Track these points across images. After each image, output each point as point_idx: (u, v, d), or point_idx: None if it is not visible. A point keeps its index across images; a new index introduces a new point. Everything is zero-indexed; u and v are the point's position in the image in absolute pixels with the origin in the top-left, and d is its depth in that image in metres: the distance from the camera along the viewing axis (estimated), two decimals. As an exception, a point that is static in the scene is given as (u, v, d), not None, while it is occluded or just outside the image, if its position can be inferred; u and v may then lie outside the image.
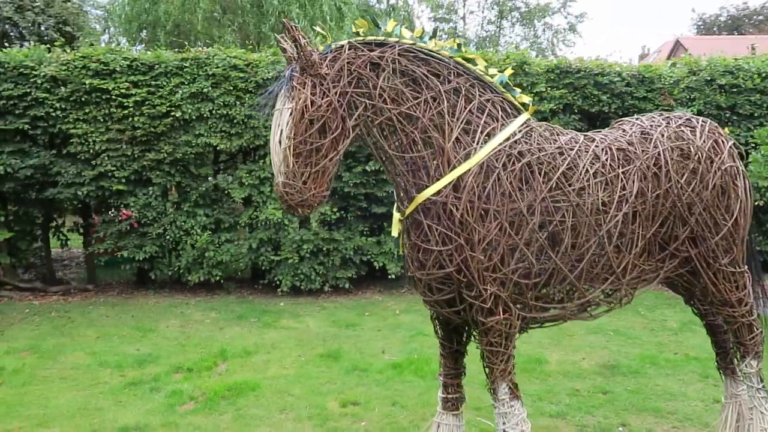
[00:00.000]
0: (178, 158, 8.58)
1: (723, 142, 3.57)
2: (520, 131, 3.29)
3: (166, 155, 8.52)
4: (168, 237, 8.70)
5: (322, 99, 2.95)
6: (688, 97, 9.01)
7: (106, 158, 8.50)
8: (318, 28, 3.40)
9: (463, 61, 3.33)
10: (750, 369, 3.78)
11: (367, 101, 3.07)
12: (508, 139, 3.22)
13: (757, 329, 3.76)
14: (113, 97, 8.37)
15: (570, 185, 3.23)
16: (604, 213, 3.26)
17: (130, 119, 8.41)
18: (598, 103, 8.94)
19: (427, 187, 3.13)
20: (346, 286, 8.95)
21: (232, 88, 8.45)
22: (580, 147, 3.35)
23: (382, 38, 3.21)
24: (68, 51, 8.71)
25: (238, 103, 8.50)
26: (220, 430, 4.48)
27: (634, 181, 3.33)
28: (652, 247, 3.45)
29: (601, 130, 3.64)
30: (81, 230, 9.98)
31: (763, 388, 3.79)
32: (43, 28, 16.24)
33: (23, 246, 9.52)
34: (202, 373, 5.72)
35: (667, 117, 3.63)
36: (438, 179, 3.12)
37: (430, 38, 3.30)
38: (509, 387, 3.29)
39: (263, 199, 8.67)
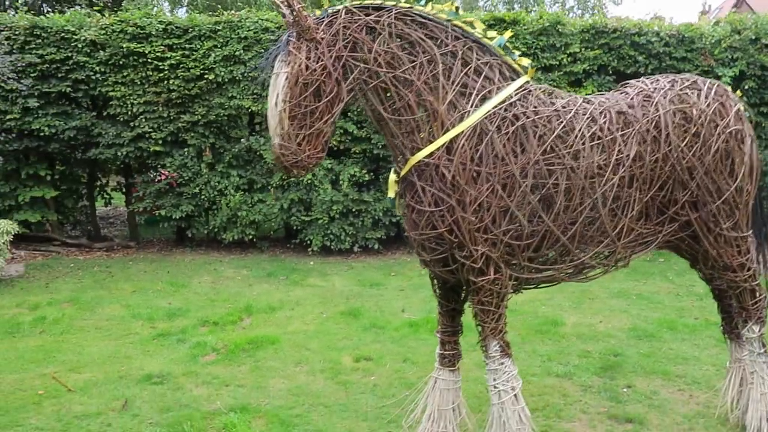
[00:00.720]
0: (212, 120, 8.81)
1: (730, 105, 3.51)
2: (516, 94, 3.30)
3: (200, 117, 8.75)
4: (203, 197, 8.99)
5: (317, 63, 3.03)
6: (730, 57, 8.69)
7: (144, 120, 8.80)
8: None
9: (462, 24, 3.35)
10: (752, 334, 3.77)
11: (363, 65, 3.14)
12: (503, 101, 3.24)
13: (760, 295, 3.74)
14: (149, 60, 8.61)
15: (565, 148, 3.24)
16: (599, 176, 3.27)
17: (166, 82, 8.65)
18: (634, 64, 8.71)
19: (421, 149, 3.21)
20: (376, 246, 9.11)
21: (263, 50, 8.58)
22: (577, 110, 3.34)
23: (379, 2, 3.25)
24: (107, 15, 8.95)
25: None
26: (236, 380, 4.73)
27: (632, 145, 3.32)
28: (651, 210, 3.45)
29: (605, 93, 3.63)
30: (123, 190, 10.39)
31: (765, 353, 3.77)
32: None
33: (69, 204, 10.01)
34: (227, 327, 6.00)
35: (673, 79, 3.58)
36: (432, 142, 3.19)
37: (427, 2, 3.32)
38: (500, 345, 3.38)
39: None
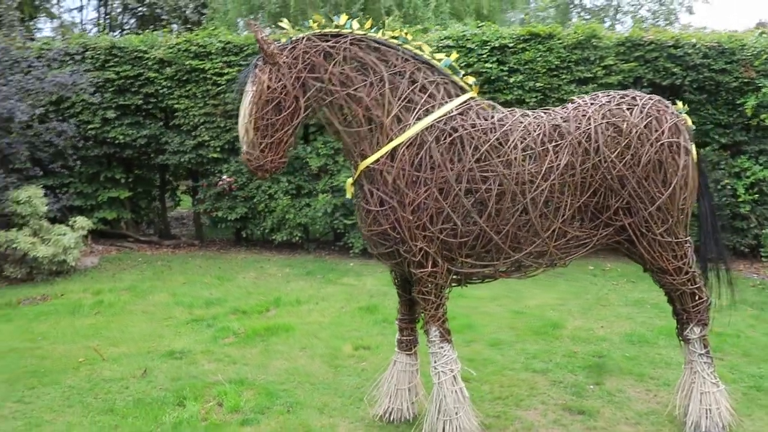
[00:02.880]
0: (265, 130, 9.59)
1: (666, 119, 3.77)
2: (457, 109, 3.74)
3: (254, 127, 9.56)
4: (255, 200, 9.80)
5: (277, 83, 3.61)
6: (773, 68, 8.57)
7: (204, 130, 9.73)
8: (310, 22, 3.96)
9: (412, 48, 3.83)
10: (693, 335, 4.00)
11: (319, 84, 3.68)
12: (444, 115, 3.69)
13: (700, 298, 3.96)
14: (209, 76, 9.54)
15: (498, 157, 3.65)
16: (530, 183, 3.64)
17: (223, 95, 9.53)
18: (670, 76, 8.75)
19: (368, 156, 3.71)
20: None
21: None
22: (512, 123, 3.73)
23: (337, 30, 3.79)
24: (175, 35, 9.98)
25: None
26: (244, 359, 5.36)
27: (563, 155, 3.67)
28: (584, 215, 3.78)
29: (551, 108, 3.98)
30: (191, 192, 11.42)
31: (706, 354, 4.00)
32: (187, 12, 18.01)
33: (143, 204, 11.14)
34: (253, 316, 6.67)
35: (611, 95, 3.89)
36: (377, 150, 3.68)
37: (378, 29, 3.83)
38: (440, 331, 3.81)
39: (337, 168, 9.47)
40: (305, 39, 3.73)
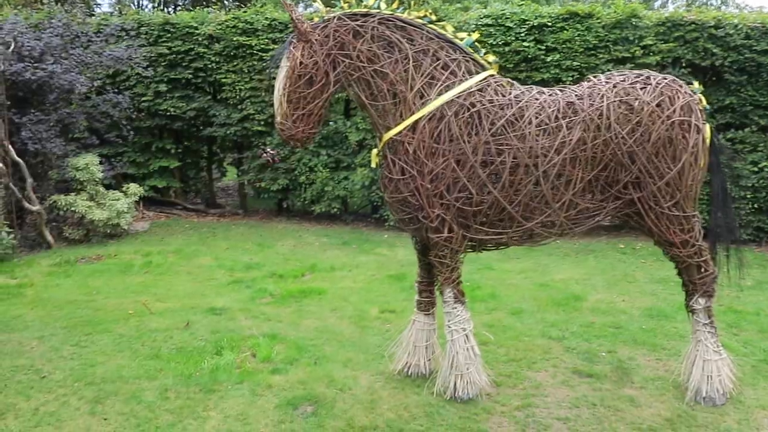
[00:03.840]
0: (307, 105, 9.96)
1: (676, 97, 3.94)
2: (477, 85, 3.98)
3: (296, 102, 9.93)
4: (296, 172, 10.20)
5: (309, 59, 3.92)
6: (818, 49, 8.44)
7: (249, 104, 10.15)
8: (341, 2, 4.26)
9: (436, 27, 4.08)
10: (698, 305, 4.19)
11: (348, 60, 3.98)
12: (464, 91, 3.95)
13: (706, 270, 4.14)
14: (255, 51, 9.93)
15: (513, 132, 3.89)
16: (543, 156, 3.87)
17: (268, 71, 9.91)
18: (710, 57, 8.71)
19: (392, 128, 3.99)
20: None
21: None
22: (528, 100, 3.96)
23: (366, 10, 4.06)
24: (223, 13, 10.38)
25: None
26: (278, 317, 5.77)
27: (576, 131, 3.88)
28: (595, 188, 3.99)
29: (568, 86, 4.18)
30: (237, 164, 11.90)
31: (710, 324, 4.18)
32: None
33: (191, 174, 11.68)
34: (289, 279, 7.08)
35: (626, 75, 4.07)
36: (401, 122, 3.97)
37: (405, 9, 4.09)
38: (453, 293, 4.10)
39: (375, 142, 9.75)
40: (336, 18, 4.01)
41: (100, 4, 24.05)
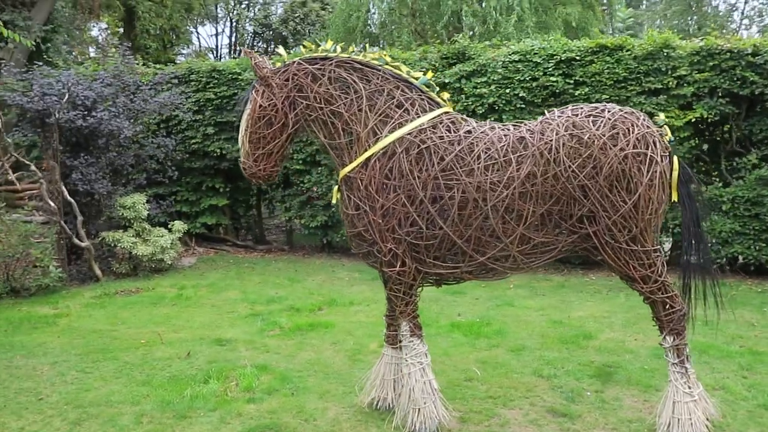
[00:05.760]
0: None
1: (630, 130, 3.87)
2: (429, 122, 4.08)
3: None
4: (334, 209, 10.48)
5: (268, 102, 4.16)
6: None
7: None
8: (302, 47, 4.54)
9: (391, 68, 4.23)
10: (666, 344, 4.04)
11: (305, 102, 4.19)
12: (416, 128, 4.05)
13: (671, 308, 3.99)
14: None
15: (461, 167, 3.94)
16: (491, 191, 3.90)
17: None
18: (749, 86, 8.35)
19: (347, 165, 4.15)
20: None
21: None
22: (479, 135, 4.01)
23: (325, 54, 4.27)
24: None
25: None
26: (278, 349, 5.94)
27: (525, 165, 3.89)
28: (548, 222, 3.96)
29: (524, 121, 4.20)
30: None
31: (679, 363, 4.01)
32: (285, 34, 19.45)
33: (241, 212, 12.22)
34: (303, 313, 7.27)
35: (581, 108, 4.04)
36: (355, 160, 4.11)
37: (360, 52, 4.27)
38: (410, 326, 4.15)
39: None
40: (296, 63, 4.25)
41: (182, 54, 25.80)
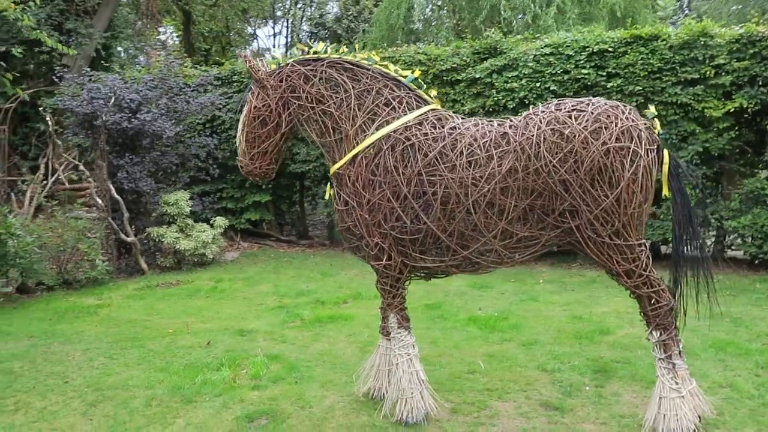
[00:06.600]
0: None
1: (613, 124, 3.84)
2: (415, 120, 4.18)
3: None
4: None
5: (263, 103, 4.36)
6: None
7: (325, 141, 10.81)
8: (296, 49, 4.70)
9: (380, 67, 4.35)
10: (652, 339, 4.00)
11: (298, 102, 4.36)
12: (402, 125, 4.16)
13: (657, 302, 3.95)
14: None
15: (444, 163, 4.03)
16: (473, 186, 3.97)
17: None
18: (794, 73, 7.99)
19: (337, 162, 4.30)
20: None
21: (413, 79, 9.90)
22: (462, 131, 4.08)
23: (317, 55, 4.43)
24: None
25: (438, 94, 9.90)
26: (295, 340, 6.17)
27: (507, 160, 3.94)
28: (531, 217, 3.99)
29: (510, 117, 4.23)
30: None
31: (666, 359, 3.97)
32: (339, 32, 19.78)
33: (284, 208, 12.57)
34: (327, 305, 7.48)
35: (564, 102, 4.04)
36: (343, 157, 4.26)
37: (348, 53, 4.40)
38: (397, 318, 4.27)
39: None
40: (290, 65, 4.43)
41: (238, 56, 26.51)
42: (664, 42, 8.56)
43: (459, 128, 4.12)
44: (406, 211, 4.07)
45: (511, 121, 4.10)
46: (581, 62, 8.88)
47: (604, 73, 8.79)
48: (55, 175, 11.31)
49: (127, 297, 8.21)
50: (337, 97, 4.31)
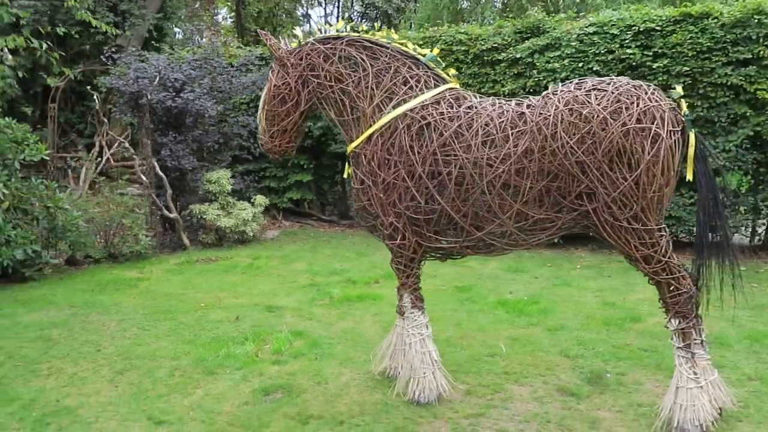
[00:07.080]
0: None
1: (634, 104, 3.71)
2: (432, 99, 4.14)
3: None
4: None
5: (282, 81, 4.39)
6: None
7: (365, 121, 10.82)
8: (316, 27, 4.72)
9: (399, 45, 4.31)
10: (671, 327, 3.89)
11: (317, 80, 4.38)
12: (419, 104, 4.13)
13: (676, 289, 3.82)
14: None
15: (459, 143, 3.98)
16: (488, 166, 3.91)
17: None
18: None
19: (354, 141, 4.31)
20: (557, 241, 9.56)
21: (453, 60, 9.79)
22: (479, 111, 4.02)
23: (337, 34, 4.42)
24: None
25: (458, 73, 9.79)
26: (321, 317, 6.25)
27: (523, 140, 3.86)
28: (547, 199, 3.91)
29: (530, 97, 4.13)
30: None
31: (684, 348, 3.85)
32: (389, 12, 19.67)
33: (325, 187, 12.68)
34: (358, 285, 7.53)
35: (585, 81, 3.92)
36: (360, 135, 4.26)
37: (367, 31, 4.38)
38: (410, 298, 4.28)
39: None
40: (310, 43, 4.44)
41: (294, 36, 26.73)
42: (716, 20, 8.17)
43: (476, 107, 4.06)
44: (421, 190, 4.05)
45: (530, 100, 4.01)
46: (626, 42, 8.58)
47: (651, 53, 8.47)
48: (106, 153, 11.69)
49: (166, 271, 8.46)
50: (355, 76, 4.30)
